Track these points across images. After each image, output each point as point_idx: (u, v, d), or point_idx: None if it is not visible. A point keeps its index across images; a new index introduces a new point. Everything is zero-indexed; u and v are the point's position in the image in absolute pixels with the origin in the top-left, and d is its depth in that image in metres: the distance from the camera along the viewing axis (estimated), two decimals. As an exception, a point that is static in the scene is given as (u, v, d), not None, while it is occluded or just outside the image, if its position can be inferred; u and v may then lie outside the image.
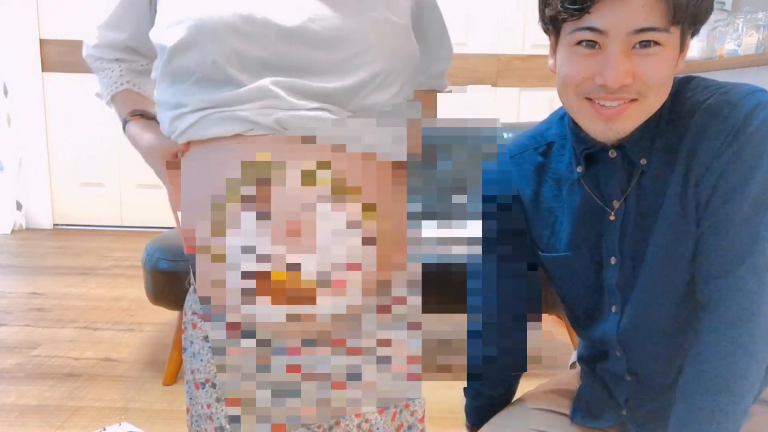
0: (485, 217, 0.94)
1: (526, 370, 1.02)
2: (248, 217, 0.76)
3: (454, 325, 0.86)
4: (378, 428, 0.90)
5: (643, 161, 0.84)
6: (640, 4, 0.73)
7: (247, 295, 0.77)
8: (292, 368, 0.81)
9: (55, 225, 3.90)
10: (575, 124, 0.86)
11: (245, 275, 0.76)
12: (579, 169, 0.89)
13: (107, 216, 3.90)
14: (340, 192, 0.77)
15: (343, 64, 0.79)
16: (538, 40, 3.68)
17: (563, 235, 0.93)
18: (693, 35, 0.80)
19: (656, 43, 0.75)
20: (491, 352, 1.01)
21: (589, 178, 0.89)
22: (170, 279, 1.85)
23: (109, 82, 1.01)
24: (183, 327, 0.92)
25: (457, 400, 1.04)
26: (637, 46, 0.75)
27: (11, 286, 2.84)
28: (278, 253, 0.75)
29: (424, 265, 0.91)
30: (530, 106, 3.75)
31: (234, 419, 0.84)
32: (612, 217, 0.88)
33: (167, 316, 2.38)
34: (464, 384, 1.09)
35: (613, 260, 0.89)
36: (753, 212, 0.78)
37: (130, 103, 1.01)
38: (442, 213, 0.88)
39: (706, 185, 0.80)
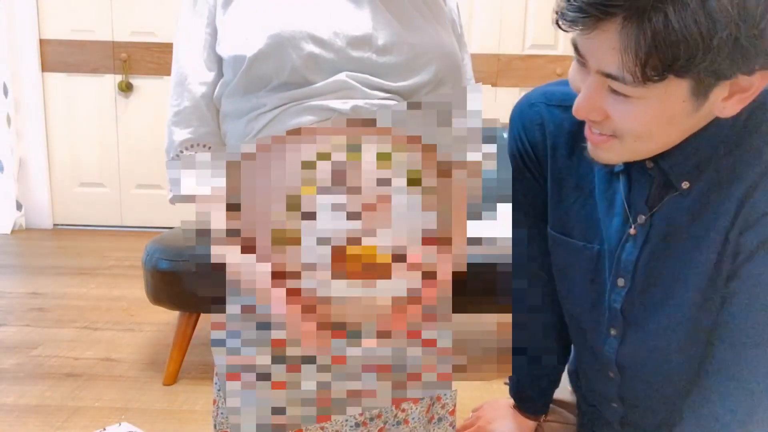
0: (512, 158, 0.90)
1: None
2: (324, 198, 0.75)
3: (462, 325, 0.86)
4: (413, 417, 0.93)
5: (686, 185, 0.72)
6: (610, 46, 0.59)
7: (323, 270, 0.74)
8: (338, 360, 0.79)
9: (55, 225, 3.89)
10: None
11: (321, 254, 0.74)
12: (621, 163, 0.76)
13: (107, 216, 3.90)
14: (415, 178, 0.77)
15: (405, 66, 0.88)
16: (538, 40, 3.68)
17: (578, 220, 0.83)
18: (742, 74, 0.60)
19: (624, 94, 0.62)
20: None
21: (624, 176, 0.77)
22: (170, 279, 1.85)
23: None
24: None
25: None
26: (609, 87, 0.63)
27: (11, 286, 2.84)
28: (354, 228, 0.74)
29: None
30: (530, 106, 3.74)
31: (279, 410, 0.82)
32: (632, 231, 0.76)
33: (167, 316, 2.37)
34: (463, 384, 1.07)
35: (621, 282, 0.78)
36: None
37: None
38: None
39: (754, 236, 0.68)
